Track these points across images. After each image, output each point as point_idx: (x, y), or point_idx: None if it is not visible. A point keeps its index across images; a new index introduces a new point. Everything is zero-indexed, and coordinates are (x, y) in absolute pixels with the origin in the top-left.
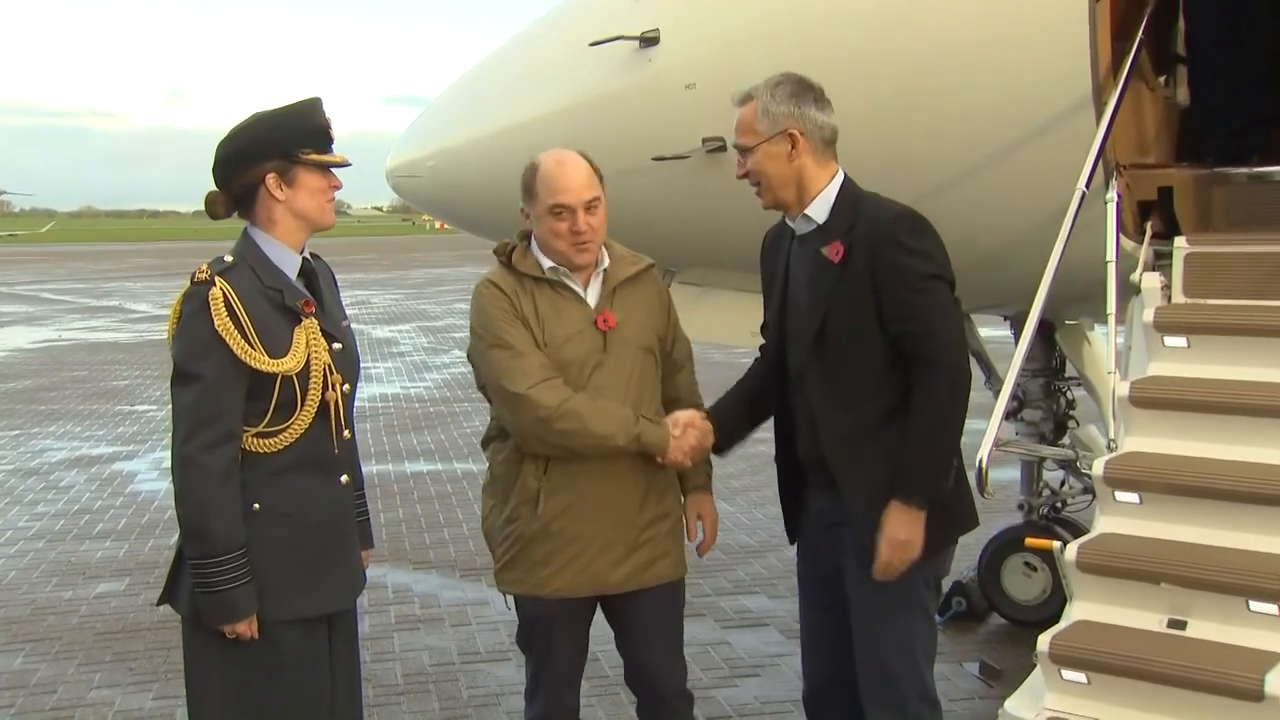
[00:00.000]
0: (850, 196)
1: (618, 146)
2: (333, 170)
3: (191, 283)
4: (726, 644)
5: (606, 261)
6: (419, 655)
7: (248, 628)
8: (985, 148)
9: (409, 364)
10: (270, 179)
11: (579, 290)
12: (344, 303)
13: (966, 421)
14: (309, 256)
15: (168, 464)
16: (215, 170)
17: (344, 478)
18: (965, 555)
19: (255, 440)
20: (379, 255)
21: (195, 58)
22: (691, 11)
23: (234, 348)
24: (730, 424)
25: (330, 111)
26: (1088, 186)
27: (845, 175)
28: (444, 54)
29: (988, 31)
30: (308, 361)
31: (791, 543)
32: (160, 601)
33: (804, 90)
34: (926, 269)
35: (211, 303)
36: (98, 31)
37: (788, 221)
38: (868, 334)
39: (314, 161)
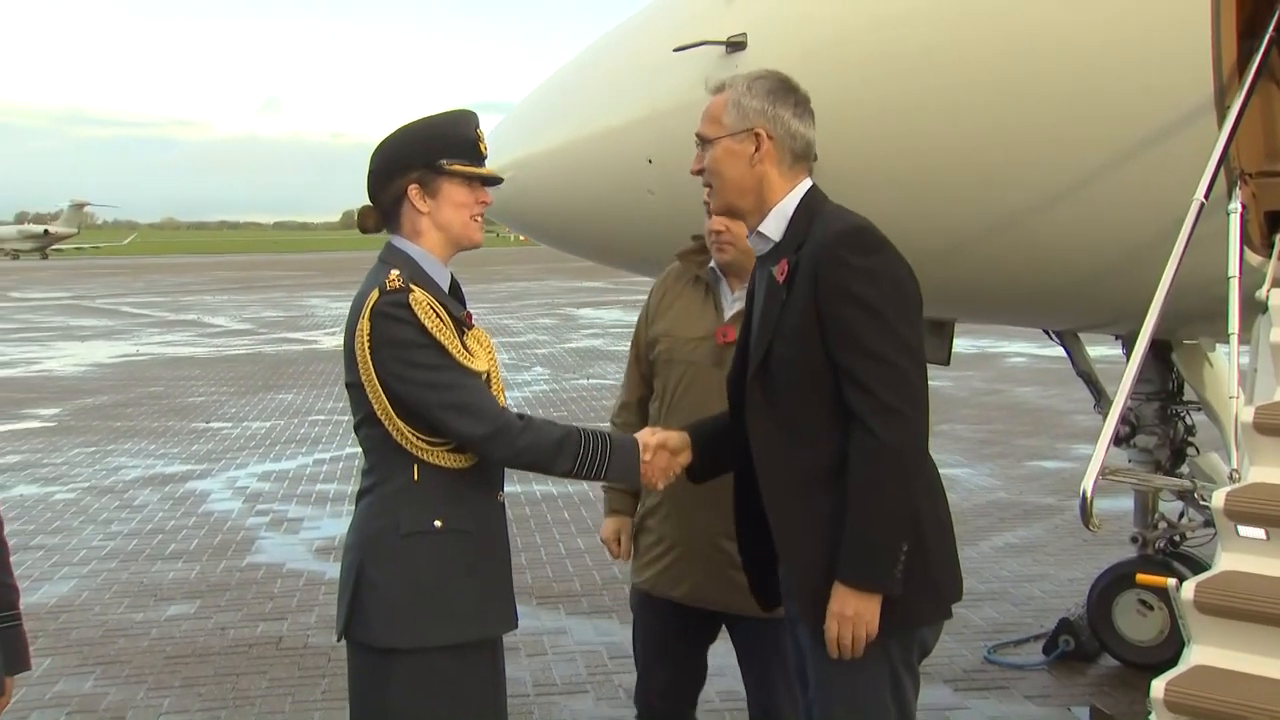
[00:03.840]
0: (808, 210)
1: None
2: (484, 187)
3: (382, 292)
4: None
5: None
6: None
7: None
8: (1095, 155)
9: None
10: (413, 190)
11: (725, 298)
12: None
13: (1088, 447)
14: None
15: (241, 483)
16: (368, 183)
17: (500, 494)
18: (1074, 590)
19: (445, 455)
20: (458, 268)
21: (283, 65)
22: (782, 14)
23: (450, 349)
24: (714, 447)
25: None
26: (1207, 197)
27: (812, 187)
28: (529, 58)
29: (1097, 31)
30: (490, 368)
31: (766, 610)
32: (341, 635)
33: (784, 91)
34: (870, 297)
35: (416, 306)
36: (181, 40)
37: (750, 241)
38: (816, 368)
39: (458, 172)
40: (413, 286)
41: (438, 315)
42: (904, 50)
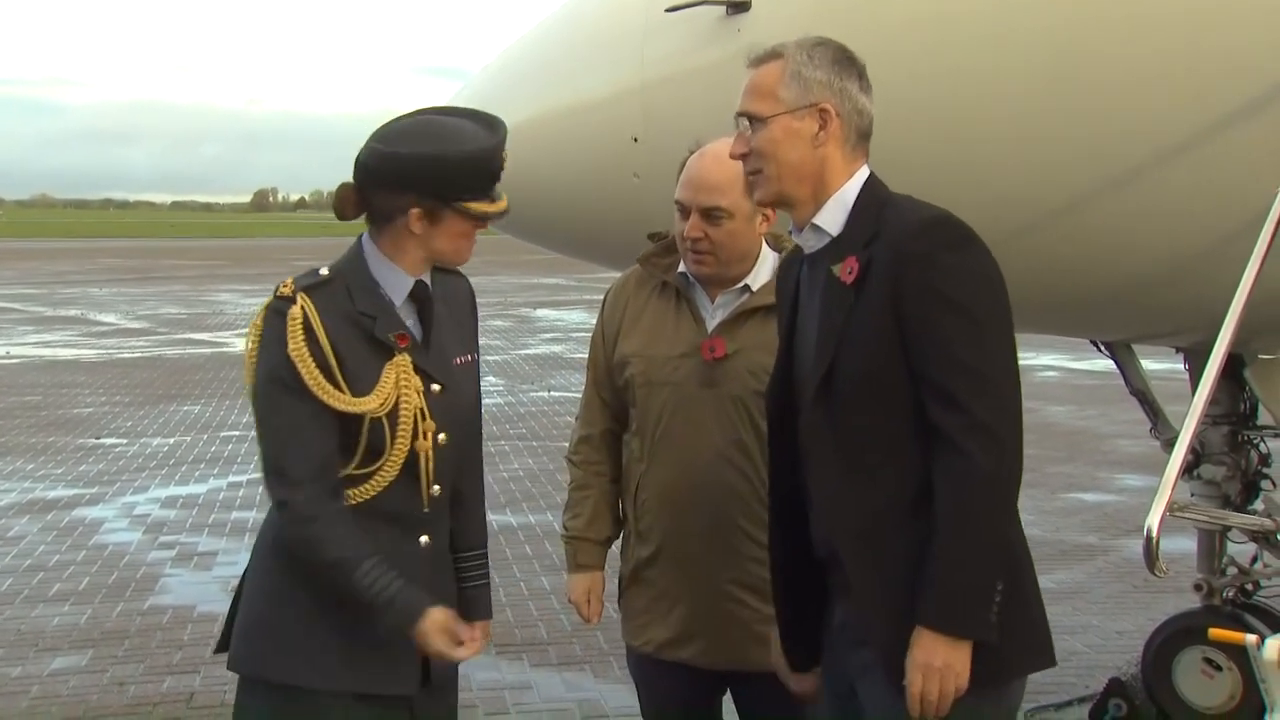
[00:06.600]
0: (874, 200)
1: (698, 134)
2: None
3: (274, 297)
4: None
5: (760, 280)
6: None
7: (439, 625)
8: (1161, 136)
9: None
10: (414, 213)
11: (703, 307)
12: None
13: (1134, 477)
14: (444, 273)
15: (140, 510)
16: (359, 170)
17: (424, 538)
18: (1123, 645)
19: None
20: None
21: (192, 18)
22: None
23: (305, 377)
24: None
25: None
26: None
27: (871, 174)
28: (489, 18)
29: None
30: (396, 404)
31: (796, 670)
32: (217, 649)
33: (848, 61)
34: (963, 300)
35: (289, 323)
36: None
37: (793, 235)
38: (892, 383)
39: (469, 212)
40: (301, 296)
41: (312, 335)
42: (939, 13)
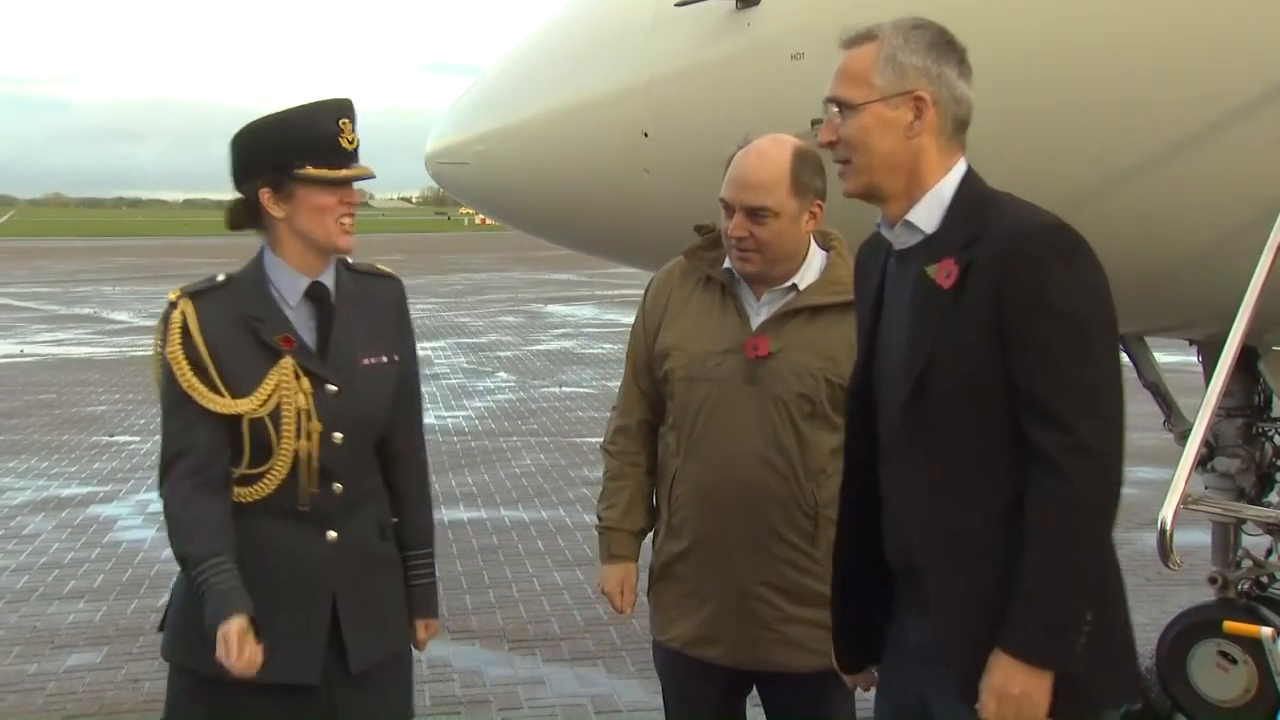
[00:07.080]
0: (974, 198)
1: (706, 129)
2: (353, 185)
3: (167, 303)
4: None
5: (807, 279)
6: None
7: (235, 632)
8: (1173, 128)
9: (446, 389)
10: (264, 194)
11: (749, 304)
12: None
13: (1147, 470)
14: (370, 276)
15: (154, 508)
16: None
17: (331, 534)
18: (1142, 639)
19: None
20: (408, 255)
21: (201, 14)
22: None
23: (179, 378)
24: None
25: (352, 96)
26: None
27: (969, 169)
28: (494, 14)
29: None
30: (279, 405)
31: (847, 671)
32: (160, 627)
33: (948, 46)
34: (1074, 312)
35: (170, 327)
36: None
37: (882, 229)
38: (989, 390)
39: (310, 177)
40: (183, 301)
41: (189, 338)
42: (945, 7)
